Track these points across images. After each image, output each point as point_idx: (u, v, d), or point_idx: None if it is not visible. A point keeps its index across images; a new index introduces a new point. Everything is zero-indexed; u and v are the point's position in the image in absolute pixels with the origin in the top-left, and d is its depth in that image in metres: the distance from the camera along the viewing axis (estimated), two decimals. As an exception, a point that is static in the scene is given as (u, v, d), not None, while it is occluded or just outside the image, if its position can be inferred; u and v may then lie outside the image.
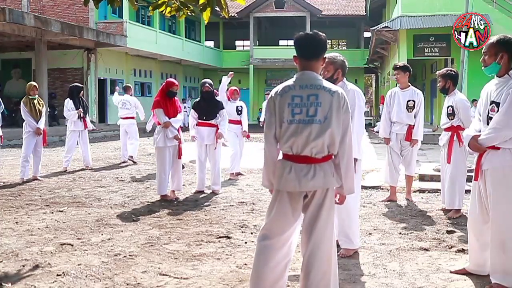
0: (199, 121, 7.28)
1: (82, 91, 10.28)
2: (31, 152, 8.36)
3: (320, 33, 2.98)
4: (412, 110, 6.30)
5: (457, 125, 5.70)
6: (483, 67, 3.57)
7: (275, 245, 2.94)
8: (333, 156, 2.93)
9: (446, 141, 5.79)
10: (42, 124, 8.43)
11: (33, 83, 8.77)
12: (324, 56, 3.00)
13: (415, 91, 6.41)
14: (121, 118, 11.18)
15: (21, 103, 8.50)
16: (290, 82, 2.95)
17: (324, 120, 2.81)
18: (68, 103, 9.87)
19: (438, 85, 5.98)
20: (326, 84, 2.92)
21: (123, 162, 10.86)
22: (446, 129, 5.83)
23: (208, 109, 7.24)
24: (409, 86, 6.45)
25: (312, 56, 2.93)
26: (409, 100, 6.31)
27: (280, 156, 2.98)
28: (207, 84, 7.38)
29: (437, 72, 6.03)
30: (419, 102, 6.33)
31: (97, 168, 10.02)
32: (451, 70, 5.92)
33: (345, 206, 3.97)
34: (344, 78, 4.28)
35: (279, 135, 2.91)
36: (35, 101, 8.49)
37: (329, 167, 2.90)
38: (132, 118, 11.11)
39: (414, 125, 6.38)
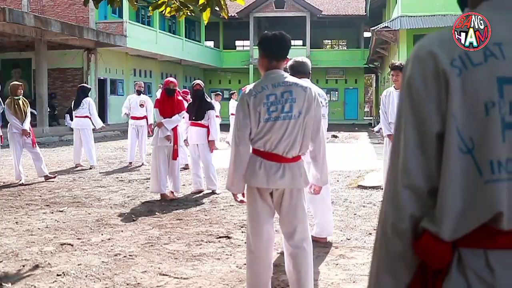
0: (190, 121, 7.30)
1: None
2: (20, 152, 8.24)
3: (284, 33, 3.04)
4: None
5: None
6: None
7: (262, 249, 3.08)
8: (302, 156, 3.04)
9: None
10: (26, 124, 8.18)
11: (18, 82, 8.55)
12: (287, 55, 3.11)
13: None
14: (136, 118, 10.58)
15: (5, 104, 8.28)
16: (261, 82, 3.01)
17: (299, 115, 2.91)
18: (93, 104, 10.16)
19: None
20: (296, 80, 3.04)
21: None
22: None
23: (198, 109, 7.25)
24: None
25: (283, 57, 3.02)
26: None
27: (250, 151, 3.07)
28: (197, 82, 7.44)
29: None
30: None
31: (97, 168, 10.02)
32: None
33: (320, 197, 4.15)
34: None
35: (255, 134, 2.96)
36: (20, 102, 8.27)
37: (298, 168, 2.98)
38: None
39: None
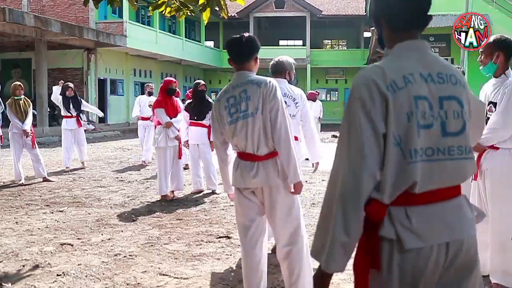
0: (190, 121, 7.27)
1: (70, 89, 9.97)
2: (20, 152, 8.26)
3: (248, 35, 3.04)
4: None
5: None
6: (480, 67, 3.60)
7: (252, 245, 3.07)
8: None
9: None
10: (27, 125, 8.18)
11: (18, 83, 8.52)
12: (256, 56, 3.06)
13: None
14: (145, 118, 10.86)
15: (6, 104, 8.33)
16: (226, 86, 3.08)
17: (256, 112, 2.90)
18: (59, 97, 9.91)
19: None
20: (254, 77, 3.00)
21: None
22: None
23: (199, 109, 7.23)
24: None
25: (243, 59, 3.02)
26: None
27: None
28: (203, 83, 7.43)
29: None
30: None
31: (97, 168, 10.03)
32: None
33: None
34: None
35: (226, 137, 3.05)
36: (21, 102, 8.29)
37: (272, 165, 2.95)
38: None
39: None
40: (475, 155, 3.57)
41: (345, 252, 1.54)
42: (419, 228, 1.54)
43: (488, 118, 3.47)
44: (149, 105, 10.44)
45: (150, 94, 10.99)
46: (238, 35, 3.06)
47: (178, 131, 6.91)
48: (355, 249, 1.58)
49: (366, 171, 1.50)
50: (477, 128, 1.83)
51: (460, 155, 1.61)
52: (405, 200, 1.56)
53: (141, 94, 11.70)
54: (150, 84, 11.46)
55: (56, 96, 10.16)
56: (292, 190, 3.01)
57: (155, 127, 9.32)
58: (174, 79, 7.16)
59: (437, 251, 1.54)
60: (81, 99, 10.31)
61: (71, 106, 9.88)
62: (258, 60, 3.09)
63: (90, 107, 10.90)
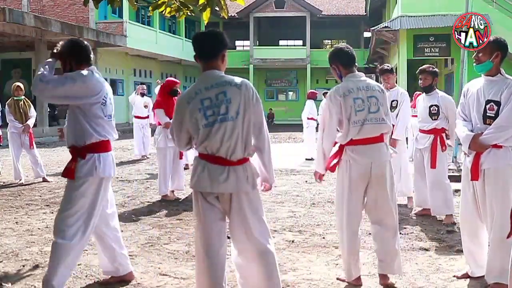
0: None
1: None
2: (19, 152, 8.30)
3: (216, 30, 2.94)
4: (395, 109, 6.10)
5: (441, 127, 5.48)
6: (475, 64, 3.61)
7: (213, 253, 2.88)
8: (249, 158, 2.89)
9: (429, 144, 5.51)
10: (30, 121, 8.25)
11: (17, 83, 8.55)
12: (224, 54, 2.92)
13: (399, 91, 6.28)
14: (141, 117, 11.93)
15: (6, 104, 8.38)
16: (194, 86, 2.88)
17: (237, 116, 2.79)
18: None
19: (422, 82, 5.67)
20: (230, 78, 2.88)
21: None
22: (428, 131, 5.55)
23: None
24: (395, 86, 6.36)
25: (211, 56, 2.88)
26: (393, 100, 6.11)
27: (196, 153, 2.95)
28: None
29: (422, 68, 5.76)
30: (401, 102, 6.16)
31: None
32: (433, 67, 5.85)
33: None
34: None
35: (197, 139, 2.85)
36: (21, 103, 8.32)
37: (243, 171, 2.84)
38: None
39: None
40: (472, 154, 3.54)
41: (323, 158, 3.66)
42: (357, 155, 3.50)
43: (488, 116, 3.46)
44: (144, 106, 11.79)
45: (142, 95, 12.05)
46: (204, 31, 2.95)
47: None
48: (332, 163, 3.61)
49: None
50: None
51: (376, 122, 3.52)
52: (352, 143, 3.50)
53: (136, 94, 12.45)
54: (141, 86, 12.56)
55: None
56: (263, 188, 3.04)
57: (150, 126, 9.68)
58: (177, 80, 7.15)
59: (367, 165, 3.49)
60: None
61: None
62: (226, 59, 2.95)
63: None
